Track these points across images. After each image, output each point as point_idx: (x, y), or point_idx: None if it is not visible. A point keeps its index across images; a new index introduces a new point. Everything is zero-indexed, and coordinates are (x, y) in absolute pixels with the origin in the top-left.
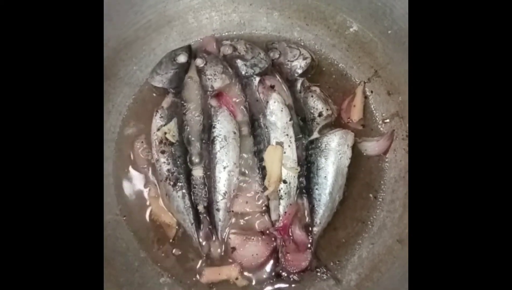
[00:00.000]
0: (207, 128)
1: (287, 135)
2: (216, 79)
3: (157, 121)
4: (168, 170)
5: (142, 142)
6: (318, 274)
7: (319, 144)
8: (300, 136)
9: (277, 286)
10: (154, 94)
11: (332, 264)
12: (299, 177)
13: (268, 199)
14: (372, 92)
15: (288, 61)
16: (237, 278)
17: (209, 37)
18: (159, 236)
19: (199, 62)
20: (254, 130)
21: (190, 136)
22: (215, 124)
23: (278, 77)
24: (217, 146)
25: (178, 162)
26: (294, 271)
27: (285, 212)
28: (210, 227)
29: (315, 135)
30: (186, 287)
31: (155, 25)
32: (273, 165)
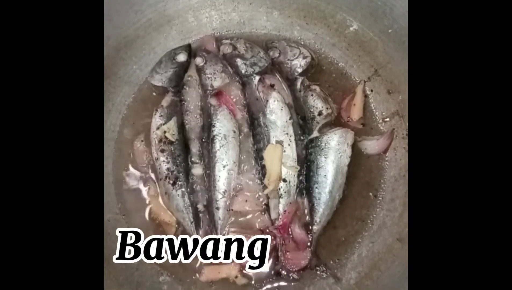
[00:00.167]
0: (207, 126)
1: (287, 133)
2: (216, 78)
3: (156, 120)
4: (168, 169)
5: (142, 141)
6: (318, 272)
7: (319, 143)
8: (300, 134)
9: (276, 284)
10: (154, 93)
11: (331, 262)
12: (299, 175)
13: (268, 198)
14: (372, 91)
15: (288, 60)
16: (236, 277)
17: (209, 36)
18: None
19: (199, 61)
20: (254, 129)
21: (189, 135)
22: (214, 123)
23: (278, 76)
24: (217, 145)
25: (177, 161)
26: (294, 270)
27: (285, 211)
28: (209, 225)
29: (315, 134)
30: (185, 286)
31: (155, 24)
32: (273, 163)
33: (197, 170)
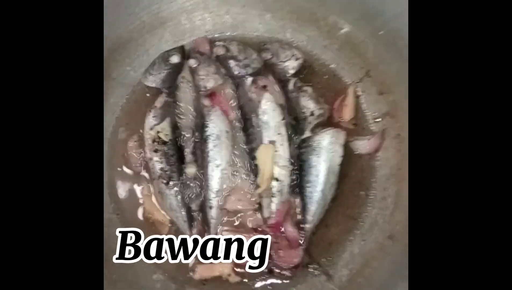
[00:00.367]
0: (200, 127)
1: (279, 134)
2: (209, 79)
3: (150, 120)
4: (161, 169)
5: (136, 141)
6: (310, 270)
7: (311, 143)
8: (293, 134)
9: (269, 282)
10: (148, 94)
11: (324, 260)
12: (291, 175)
13: (261, 197)
14: (363, 92)
15: (281, 61)
16: (229, 275)
17: (202, 38)
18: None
19: (192, 62)
20: (247, 129)
21: (183, 135)
22: (208, 123)
23: (270, 77)
24: (210, 145)
25: (171, 161)
26: (286, 267)
27: (277, 210)
28: (202, 224)
29: (307, 134)
30: (179, 284)
31: (149, 26)
32: (266, 163)
33: (191, 170)
